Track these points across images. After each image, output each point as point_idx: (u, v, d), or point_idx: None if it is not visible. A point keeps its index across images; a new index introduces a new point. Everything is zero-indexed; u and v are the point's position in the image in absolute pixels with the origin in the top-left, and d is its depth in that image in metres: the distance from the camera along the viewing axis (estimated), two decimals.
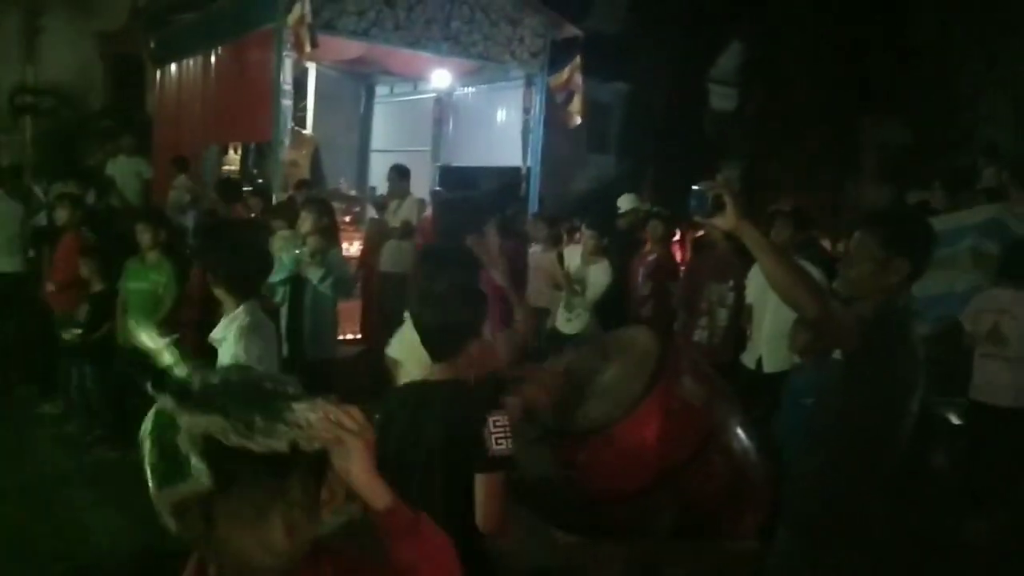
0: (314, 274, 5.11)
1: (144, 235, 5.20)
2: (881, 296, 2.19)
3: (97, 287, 5.19)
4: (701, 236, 7.33)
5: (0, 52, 15.79)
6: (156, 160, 9.37)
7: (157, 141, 10.07)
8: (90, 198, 6.75)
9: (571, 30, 8.75)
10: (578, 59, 8.51)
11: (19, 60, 15.92)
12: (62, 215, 5.76)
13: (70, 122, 15.12)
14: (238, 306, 3.00)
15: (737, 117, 17.18)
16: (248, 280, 3.13)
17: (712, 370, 2.69)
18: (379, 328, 7.02)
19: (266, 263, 3.45)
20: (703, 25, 15.26)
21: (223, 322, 3.03)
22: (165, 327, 5.12)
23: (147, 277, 5.18)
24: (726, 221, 2.07)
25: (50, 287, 5.71)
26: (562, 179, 10.31)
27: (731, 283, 5.37)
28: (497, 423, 2.04)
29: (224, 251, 3.20)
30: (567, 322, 5.88)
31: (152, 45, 10.89)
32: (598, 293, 5.83)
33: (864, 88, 14.78)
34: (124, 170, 8.61)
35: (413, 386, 2.27)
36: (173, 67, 9.83)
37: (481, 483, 2.04)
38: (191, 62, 9.14)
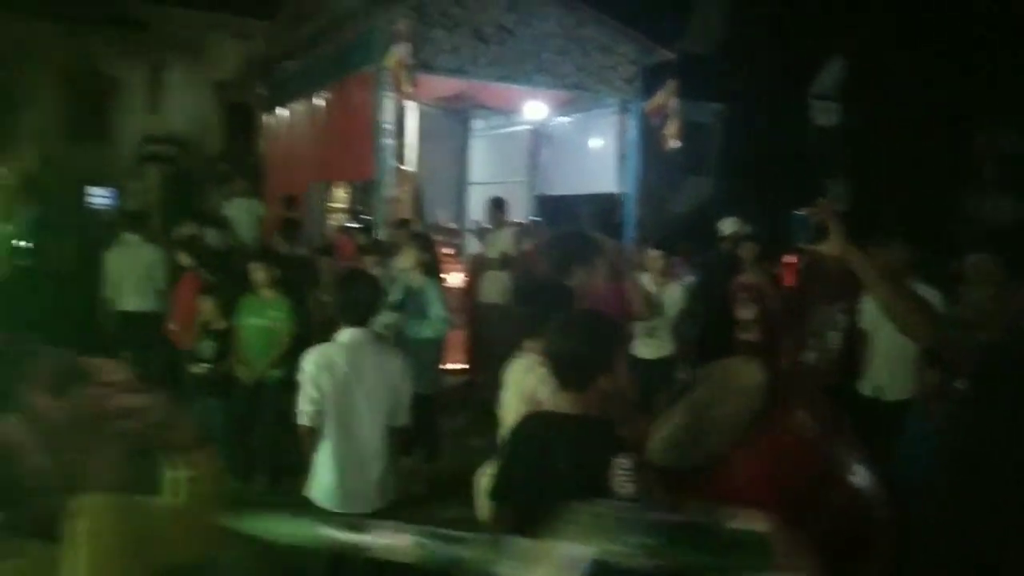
0: (412, 323, 5.28)
1: (259, 273, 5.47)
2: (1005, 321, 2.06)
3: (218, 324, 5.48)
4: (808, 256, 7.09)
5: (129, 105, 17.11)
6: (268, 200, 9.87)
7: (268, 182, 10.61)
8: (210, 239, 7.15)
9: (665, 54, 8.72)
10: (673, 82, 8.47)
11: (145, 111, 17.20)
12: (183, 257, 6.13)
13: (190, 168, 16.18)
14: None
15: (842, 132, 16.59)
16: (358, 310, 3.35)
17: (827, 400, 2.59)
18: (481, 358, 7.13)
19: (376, 295, 3.65)
20: (802, 39, 14.87)
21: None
22: (282, 361, 5.39)
23: (263, 314, 5.43)
24: (832, 248, 2.01)
25: (173, 325, 6.07)
26: (660, 203, 10.22)
27: (842, 305, 5.15)
28: (623, 466, 2.00)
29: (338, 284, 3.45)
30: (647, 347, 5.74)
31: (262, 92, 11.54)
32: (674, 315, 5.74)
33: (979, 95, 13.99)
34: (240, 211, 9.11)
35: (541, 416, 2.28)
36: (281, 112, 10.36)
37: None
38: (297, 107, 9.62)
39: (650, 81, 8.68)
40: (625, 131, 8.81)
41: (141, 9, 16.46)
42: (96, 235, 8.53)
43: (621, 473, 2.00)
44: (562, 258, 4.29)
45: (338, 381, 3.31)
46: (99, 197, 16.18)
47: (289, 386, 5.40)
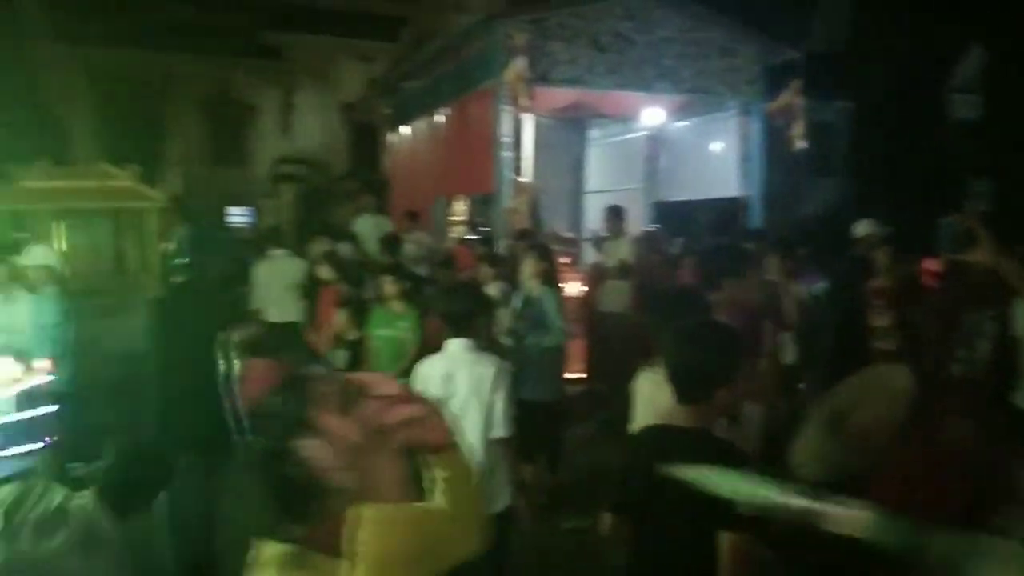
0: (532, 333, 5.31)
1: (388, 286, 5.68)
2: None
3: (352, 335, 5.72)
4: (954, 259, 6.64)
5: (264, 129, 18.24)
6: (392, 216, 10.23)
7: (393, 198, 10.99)
8: (344, 253, 7.48)
9: (788, 53, 8.44)
10: (797, 81, 8.18)
11: (278, 135, 18.27)
12: (324, 270, 6.43)
13: (319, 186, 17.02)
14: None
15: (984, 127, 15.45)
16: (459, 321, 3.44)
17: (984, 411, 2.41)
18: (600, 367, 7.10)
19: (478, 306, 3.71)
20: (938, 28, 13.98)
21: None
22: (409, 371, 5.56)
23: (393, 325, 5.63)
24: (981, 255, 1.88)
25: (314, 335, 6.38)
26: (786, 207, 9.86)
27: (991, 311, 4.79)
28: None
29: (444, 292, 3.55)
30: None
31: (386, 112, 11.98)
32: (794, 320, 5.49)
33: None
34: (367, 227, 9.47)
35: (657, 429, 2.25)
36: (404, 130, 10.73)
37: (725, 542, 1.96)
38: (419, 124, 9.93)
39: (773, 81, 8.41)
40: (747, 133, 8.57)
41: (275, 39, 17.50)
42: (237, 251, 9.11)
43: None
44: (713, 270, 4.21)
45: (434, 391, 3.41)
46: (238, 216, 17.27)
47: None
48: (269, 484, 1.16)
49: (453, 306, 3.52)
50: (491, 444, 3.36)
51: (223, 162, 17.62)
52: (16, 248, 5.65)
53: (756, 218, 8.52)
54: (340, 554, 1.11)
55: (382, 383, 1.24)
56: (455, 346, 3.41)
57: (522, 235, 6.99)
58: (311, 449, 1.15)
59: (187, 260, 3.44)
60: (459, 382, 3.36)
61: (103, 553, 2.15)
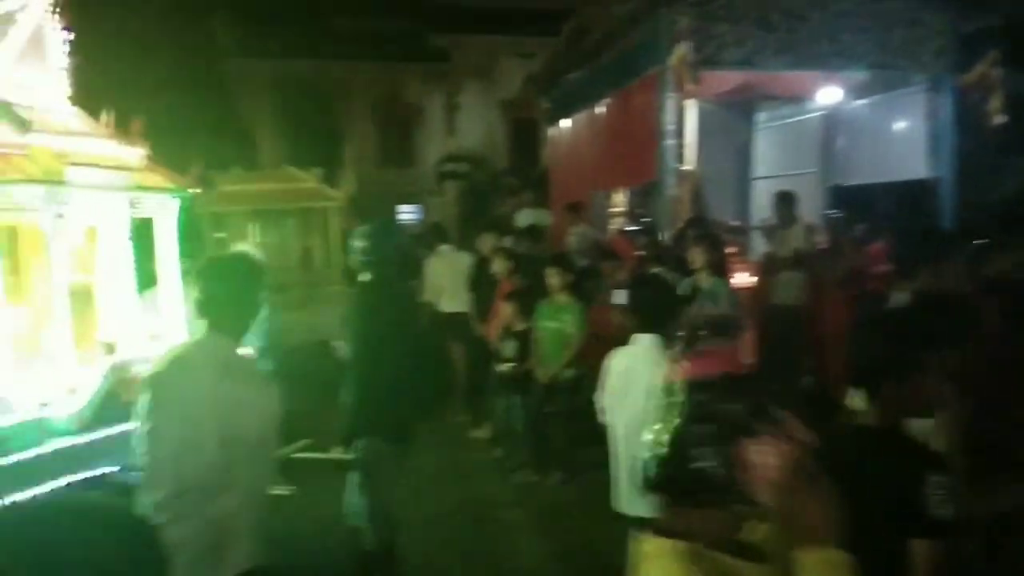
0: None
1: (553, 279, 5.73)
2: None
3: (519, 326, 5.84)
4: None
5: (430, 129, 19.00)
6: (553, 209, 10.30)
7: (553, 192, 11.07)
8: (514, 247, 7.65)
9: (983, 20, 7.67)
10: (994, 51, 7.41)
11: (442, 134, 18.96)
12: (499, 265, 6.61)
13: (481, 182, 17.49)
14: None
15: None
16: (646, 316, 3.40)
17: None
18: (772, 363, 6.80)
19: (668, 301, 3.65)
20: None
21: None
22: (574, 362, 5.60)
23: (558, 317, 5.69)
24: None
25: (484, 327, 6.57)
26: (981, 189, 8.99)
27: None
28: (938, 483, 1.83)
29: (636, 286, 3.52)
30: None
31: (545, 107, 12.07)
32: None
33: None
34: (527, 221, 9.61)
35: (848, 428, 2.13)
36: (563, 123, 10.76)
37: (918, 549, 1.84)
38: (579, 118, 9.92)
39: (966, 52, 7.67)
40: (936, 110, 7.87)
41: (441, 41, 18.14)
42: (408, 247, 9.55)
43: (936, 492, 1.82)
44: (909, 258, 3.92)
45: (612, 385, 3.43)
46: (407, 213, 18.11)
47: (580, 386, 5.62)
48: (682, 475, 1.21)
49: (644, 300, 3.49)
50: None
51: (392, 162, 18.52)
52: (218, 246, 6.22)
53: (947, 201, 7.82)
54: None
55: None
56: (643, 341, 3.37)
57: (690, 224, 6.81)
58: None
59: (374, 256, 3.65)
60: (631, 377, 3.33)
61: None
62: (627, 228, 9.19)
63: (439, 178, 18.53)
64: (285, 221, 7.33)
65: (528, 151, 16.67)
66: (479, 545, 4.79)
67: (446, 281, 7.33)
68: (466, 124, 19.09)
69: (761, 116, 10.97)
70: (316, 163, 8.22)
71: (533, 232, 8.02)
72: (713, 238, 5.82)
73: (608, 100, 8.95)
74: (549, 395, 5.67)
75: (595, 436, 3.76)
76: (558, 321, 5.69)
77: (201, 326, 2.57)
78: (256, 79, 16.56)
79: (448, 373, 7.41)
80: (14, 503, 2.96)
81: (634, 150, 8.09)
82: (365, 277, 3.80)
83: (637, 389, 3.23)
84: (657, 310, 3.44)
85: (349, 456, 3.71)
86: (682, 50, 6.79)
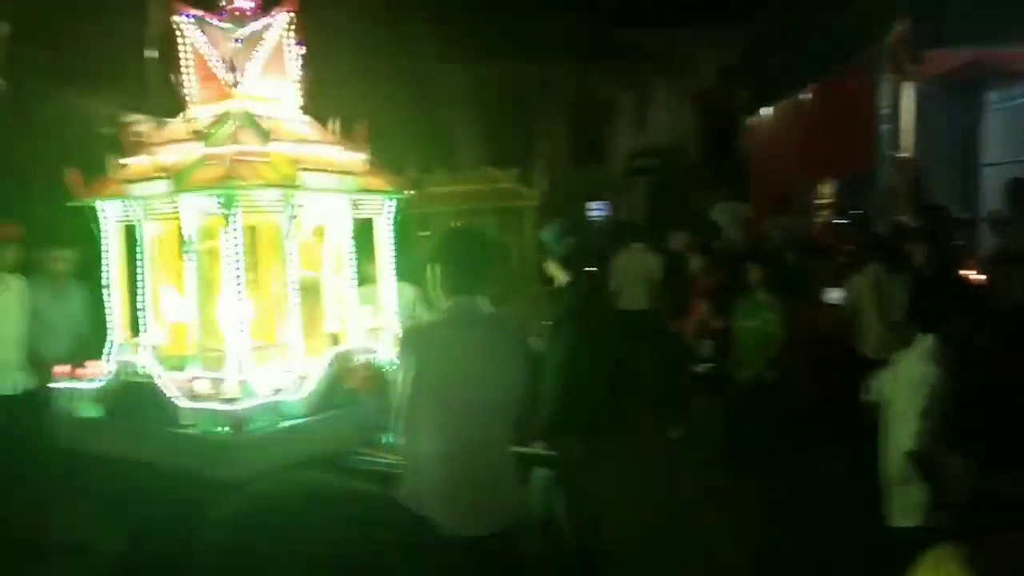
0: None
1: (753, 274, 5.51)
2: None
3: (716, 325, 5.67)
4: None
5: (620, 125, 18.93)
6: (753, 202, 9.89)
7: (752, 184, 10.63)
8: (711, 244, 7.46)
9: None
10: None
11: (632, 129, 18.80)
12: (695, 262, 6.48)
13: (672, 177, 17.14)
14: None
15: None
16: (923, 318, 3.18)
17: None
18: (1009, 367, 6.09)
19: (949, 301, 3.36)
20: None
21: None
22: (776, 363, 5.35)
23: (758, 315, 5.45)
24: None
25: (678, 326, 6.46)
26: None
27: None
28: None
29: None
30: None
31: (742, 96, 11.62)
32: None
33: None
34: (724, 215, 9.30)
35: None
36: (764, 113, 10.30)
37: None
38: (783, 105, 9.44)
39: None
40: None
41: (630, 35, 17.98)
42: (597, 244, 9.55)
43: None
44: None
45: (880, 388, 3.23)
46: (596, 211, 18.13)
47: (782, 388, 5.35)
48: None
49: (926, 301, 3.27)
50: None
51: (584, 159, 18.62)
52: (424, 245, 6.54)
53: None
54: None
55: None
56: (918, 343, 3.11)
57: (921, 214, 6.28)
58: None
59: (569, 255, 3.71)
60: (902, 381, 3.10)
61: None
62: (835, 221, 8.64)
63: (629, 174, 18.38)
64: (485, 221, 7.60)
65: (722, 143, 16.10)
66: (674, 547, 4.72)
67: (631, 279, 7.29)
68: (656, 118, 18.80)
69: (992, 96, 9.86)
70: (513, 163, 8.44)
71: (732, 227, 7.76)
72: (936, 232, 5.33)
73: (815, 85, 8.45)
74: (748, 397, 5.46)
75: (795, 441, 3.58)
76: (758, 319, 5.46)
77: (444, 296, 2.79)
78: (454, 83, 17.28)
79: (635, 372, 7.34)
80: (258, 478, 3.30)
81: (845, 138, 7.60)
82: (560, 275, 3.85)
83: (916, 395, 3.01)
84: (940, 311, 3.16)
85: (547, 452, 3.77)
86: (900, 28, 6.26)
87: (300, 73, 4.04)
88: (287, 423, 3.46)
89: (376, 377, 3.79)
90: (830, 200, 9.65)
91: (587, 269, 3.85)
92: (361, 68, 8.32)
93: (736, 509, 5.16)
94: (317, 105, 4.16)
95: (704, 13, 16.95)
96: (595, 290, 4.05)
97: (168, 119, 4.18)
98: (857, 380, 3.54)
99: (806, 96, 8.70)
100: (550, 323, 4.61)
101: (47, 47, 7.66)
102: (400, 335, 2.87)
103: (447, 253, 2.88)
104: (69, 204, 3.85)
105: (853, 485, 4.12)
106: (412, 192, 4.29)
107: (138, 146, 3.89)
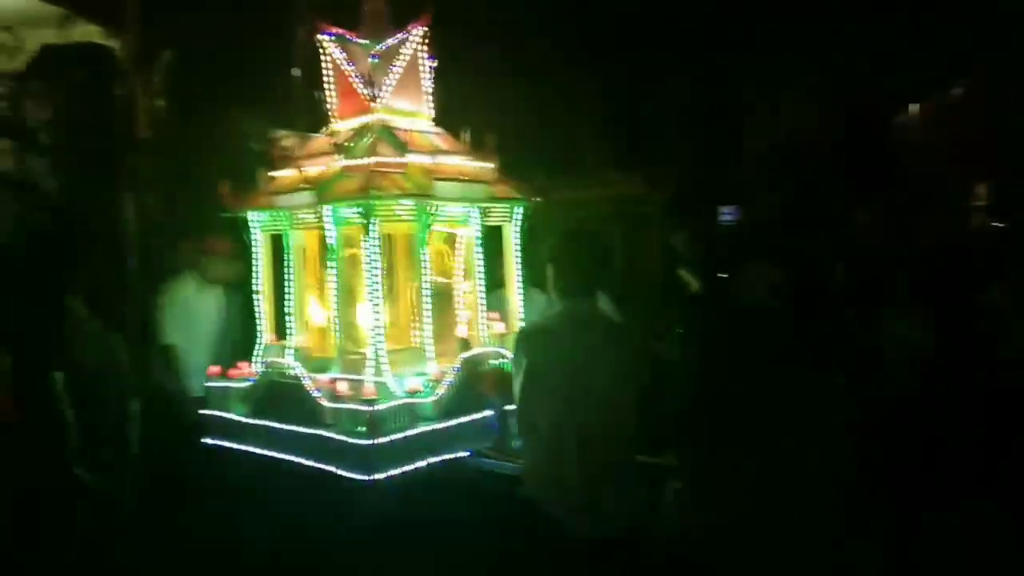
0: None
1: (902, 280, 5.16)
2: None
3: (859, 335, 5.35)
4: None
5: (752, 124, 18.27)
6: (900, 202, 9.28)
7: (900, 183, 10.00)
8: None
9: None
10: None
11: (766, 127, 18.10)
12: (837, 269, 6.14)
13: (812, 178, 16.35)
14: None
15: None
16: None
17: None
18: None
19: None
20: None
21: None
22: (924, 376, 4.97)
23: (905, 324, 5.11)
24: None
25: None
26: None
27: None
28: None
29: None
30: None
31: (885, 90, 10.93)
32: None
33: None
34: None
35: None
36: (913, 108, 9.65)
37: None
38: (935, 100, 8.81)
39: None
40: None
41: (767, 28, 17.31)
42: (729, 249, 9.23)
43: None
44: None
45: None
46: (725, 215, 17.53)
47: (932, 403, 4.95)
48: None
49: None
50: None
51: (712, 161, 18.07)
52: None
53: None
54: None
55: None
56: None
57: None
58: None
59: (697, 262, 3.63)
60: None
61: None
62: (992, 223, 7.98)
63: (763, 175, 17.70)
64: (610, 226, 7.54)
65: (864, 141, 15.24)
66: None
67: (758, 286, 6.98)
68: (792, 115, 18.01)
69: None
70: (636, 167, 8.33)
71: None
72: None
73: (971, 79, 7.82)
74: (892, 411, 5.12)
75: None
76: (907, 329, 5.11)
77: (559, 297, 2.81)
78: (574, 85, 17.19)
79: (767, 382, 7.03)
80: (396, 476, 3.41)
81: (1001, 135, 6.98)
82: (693, 282, 3.77)
83: None
84: None
85: (675, 463, 3.69)
86: None
87: (431, 86, 4.17)
88: (420, 425, 3.57)
89: (505, 381, 3.84)
90: (986, 201, 8.91)
91: (720, 275, 3.73)
92: (484, 77, 8.45)
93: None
94: (445, 115, 4.28)
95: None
96: (729, 297, 3.91)
97: (311, 134, 4.42)
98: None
99: (962, 91, 8.08)
100: (680, 330, 4.53)
101: (202, 71, 8.24)
102: (514, 338, 2.89)
103: (562, 255, 2.87)
104: (224, 215, 4.14)
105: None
106: (539, 199, 4.33)
107: (285, 160, 4.12)
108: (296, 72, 7.86)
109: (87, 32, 7.25)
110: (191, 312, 5.05)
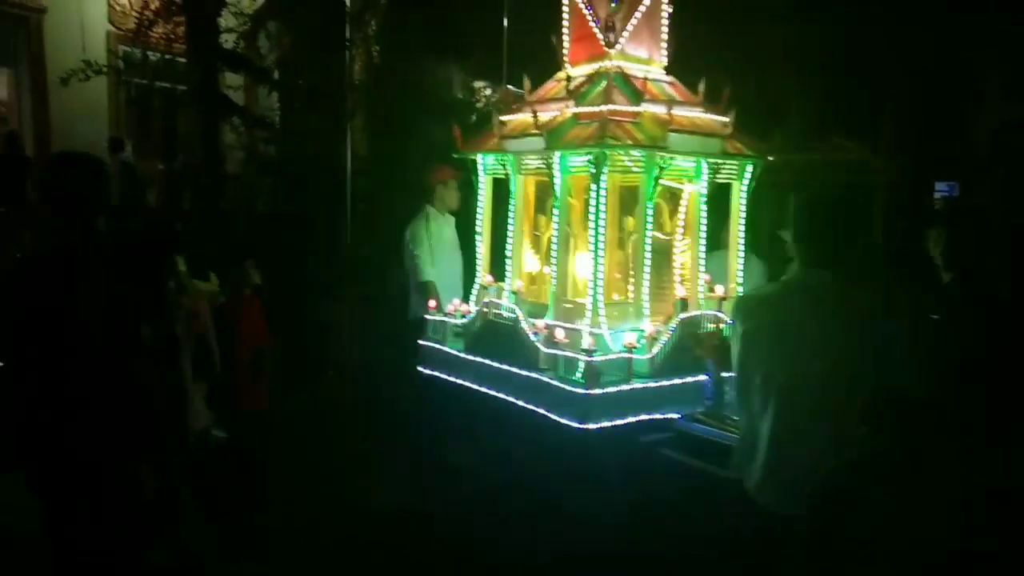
0: None
1: None
2: None
3: None
4: None
5: (985, 94, 16.35)
6: None
7: None
8: None
9: None
10: None
11: (999, 99, 16.17)
12: None
13: None
14: None
15: None
16: None
17: None
18: None
19: None
20: None
21: None
22: None
23: None
24: None
25: None
26: None
27: None
28: None
29: None
30: None
31: None
32: None
33: None
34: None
35: None
36: None
37: None
38: None
39: None
40: None
41: None
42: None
43: None
44: None
45: None
46: (941, 191, 15.99)
47: None
48: None
49: None
50: None
51: (936, 132, 16.44)
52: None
53: None
54: None
55: None
56: None
57: None
58: None
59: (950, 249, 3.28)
60: None
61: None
62: None
63: (992, 151, 15.89)
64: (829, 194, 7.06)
65: None
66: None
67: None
68: None
69: None
70: (860, 133, 7.69)
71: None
72: None
73: None
74: None
75: None
76: None
77: (796, 265, 2.59)
78: (792, 44, 16.14)
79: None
80: (607, 428, 3.40)
81: None
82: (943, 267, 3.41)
83: None
84: None
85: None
86: None
87: (669, 34, 4.00)
88: (635, 381, 3.51)
89: (723, 347, 3.69)
90: None
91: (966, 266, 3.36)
92: (719, 24, 8.09)
93: None
94: (689, 68, 4.10)
95: None
96: (976, 285, 3.48)
97: (511, 87, 4.38)
98: None
99: None
100: (912, 311, 4.15)
101: (416, 23, 8.47)
102: (733, 304, 2.69)
103: (807, 221, 2.59)
104: (455, 156, 4.24)
105: None
106: (772, 159, 4.08)
107: (516, 106, 4.13)
108: (504, 23, 7.90)
109: None
110: (435, 244, 5.24)
